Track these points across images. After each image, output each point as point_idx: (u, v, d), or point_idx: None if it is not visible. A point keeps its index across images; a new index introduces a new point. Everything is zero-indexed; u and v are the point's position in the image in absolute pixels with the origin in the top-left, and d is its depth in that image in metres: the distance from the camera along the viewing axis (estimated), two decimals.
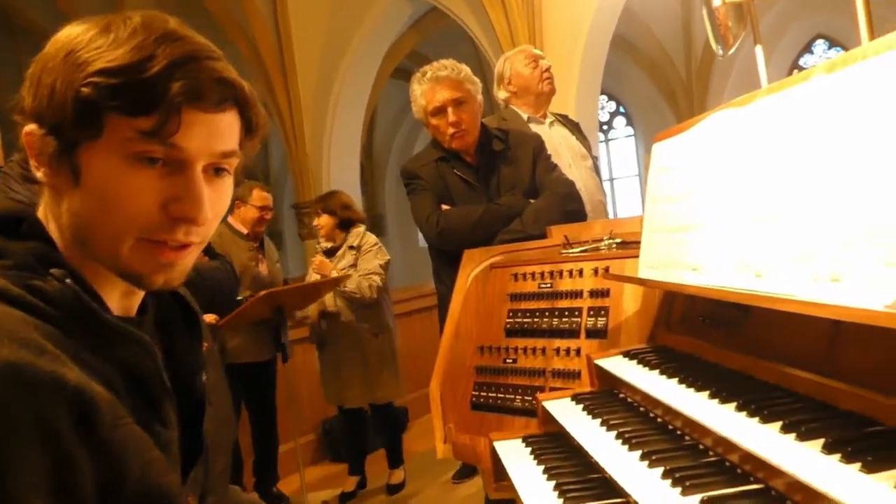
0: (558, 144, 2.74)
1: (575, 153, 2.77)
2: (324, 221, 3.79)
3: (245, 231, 3.65)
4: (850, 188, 0.80)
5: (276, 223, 14.60)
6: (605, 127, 11.67)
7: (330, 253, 3.83)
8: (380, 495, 3.96)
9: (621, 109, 11.54)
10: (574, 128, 2.90)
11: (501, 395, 1.72)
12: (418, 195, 2.32)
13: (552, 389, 1.62)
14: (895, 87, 0.75)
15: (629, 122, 11.51)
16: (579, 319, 1.62)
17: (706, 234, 1.12)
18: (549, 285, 1.72)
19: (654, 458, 0.98)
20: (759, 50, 1.41)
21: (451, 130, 2.25)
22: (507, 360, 1.74)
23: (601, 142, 11.48)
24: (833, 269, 0.81)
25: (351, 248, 3.78)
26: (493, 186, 2.29)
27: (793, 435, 0.81)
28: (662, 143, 1.38)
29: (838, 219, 0.82)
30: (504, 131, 2.40)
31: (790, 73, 10.32)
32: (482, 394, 1.76)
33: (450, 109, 2.23)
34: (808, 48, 10.09)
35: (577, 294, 1.65)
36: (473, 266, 1.89)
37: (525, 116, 2.77)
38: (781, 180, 0.94)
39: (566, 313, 1.64)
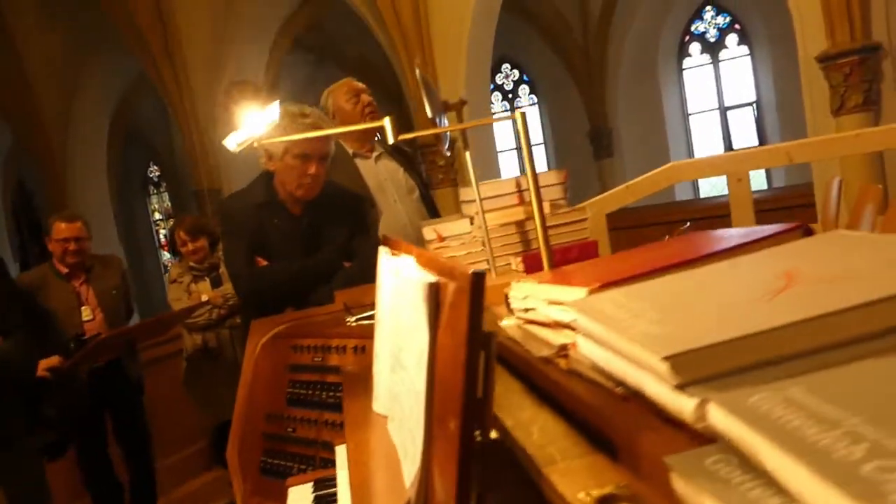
0: (384, 179, 2.82)
1: (401, 187, 2.84)
2: (200, 244, 3.75)
3: (63, 270, 3.30)
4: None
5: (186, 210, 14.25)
6: (510, 96, 11.77)
7: (208, 272, 3.80)
8: None
9: (525, 78, 11.64)
10: (404, 159, 2.97)
11: (283, 463, 1.84)
12: (232, 242, 2.32)
13: (322, 460, 1.75)
14: None
15: (533, 91, 11.63)
16: (342, 394, 1.74)
17: (377, 365, 1.24)
18: (320, 359, 1.83)
19: None
20: (467, 154, 1.52)
21: (307, 181, 2.24)
22: (289, 430, 1.86)
23: (507, 111, 11.60)
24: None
25: None
26: (313, 241, 2.29)
27: None
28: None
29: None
30: (337, 188, 2.40)
31: (683, 41, 10.64)
32: (269, 460, 1.88)
33: (316, 162, 2.23)
34: (698, 14, 10.38)
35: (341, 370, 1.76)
36: (261, 335, 1.98)
37: (350, 151, 2.83)
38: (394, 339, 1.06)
39: (331, 388, 1.77)
